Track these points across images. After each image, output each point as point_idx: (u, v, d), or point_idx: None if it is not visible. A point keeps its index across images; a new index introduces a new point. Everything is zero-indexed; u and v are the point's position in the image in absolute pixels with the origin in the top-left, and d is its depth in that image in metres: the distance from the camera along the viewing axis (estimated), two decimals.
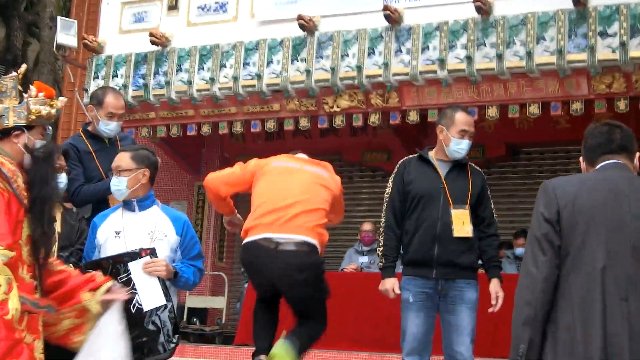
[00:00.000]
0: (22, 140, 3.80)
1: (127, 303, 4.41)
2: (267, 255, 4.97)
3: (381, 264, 5.32)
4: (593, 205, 3.38)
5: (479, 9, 7.93)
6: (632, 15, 7.43)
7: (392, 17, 8.27)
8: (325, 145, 10.82)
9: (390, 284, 5.23)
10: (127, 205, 4.81)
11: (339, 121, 8.94)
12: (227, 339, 9.56)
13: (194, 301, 10.72)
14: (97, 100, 5.81)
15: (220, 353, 8.69)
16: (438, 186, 5.25)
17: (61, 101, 3.99)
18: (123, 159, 4.84)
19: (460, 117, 5.36)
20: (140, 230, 4.76)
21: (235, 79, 9.00)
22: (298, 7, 8.81)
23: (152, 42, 9.39)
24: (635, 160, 3.63)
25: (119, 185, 4.77)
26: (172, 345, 4.69)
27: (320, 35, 8.72)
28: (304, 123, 9.12)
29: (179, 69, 9.33)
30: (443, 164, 5.35)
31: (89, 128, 5.80)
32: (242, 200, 5.90)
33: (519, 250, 9.49)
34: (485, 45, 7.97)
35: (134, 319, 4.48)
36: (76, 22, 10.30)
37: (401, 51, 8.32)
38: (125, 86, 9.46)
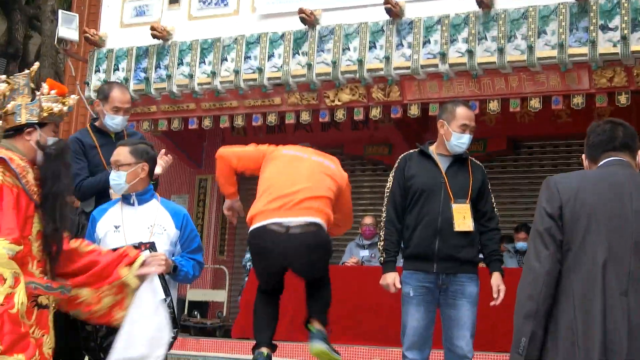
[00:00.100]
0: (35, 137, 3.84)
1: None
2: (278, 238, 5.17)
3: (382, 259, 5.32)
4: (595, 201, 3.40)
5: (480, 3, 7.93)
6: (634, 9, 7.42)
7: (394, 11, 8.27)
8: (327, 139, 10.81)
9: (391, 279, 5.23)
10: (126, 199, 4.81)
11: (340, 115, 8.95)
12: (228, 332, 9.57)
13: (195, 294, 10.74)
14: (103, 94, 5.82)
15: (221, 346, 8.71)
16: (439, 181, 5.25)
17: (73, 99, 4.04)
18: (121, 153, 4.82)
19: (461, 111, 5.35)
20: (139, 224, 4.75)
21: (237, 72, 9.01)
22: (299, 1, 8.81)
23: (154, 36, 9.40)
24: (638, 158, 3.65)
25: (117, 179, 4.76)
26: (171, 338, 4.69)
27: (321, 29, 8.72)
28: (305, 117, 9.12)
29: (180, 63, 9.34)
30: (444, 158, 5.35)
31: (97, 123, 5.80)
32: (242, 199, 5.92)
33: (520, 244, 9.50)
34: (486, 39, 7.97)
35: None
36: (77, 15, 10.32)
37: (402, 45, 8.32)
38: (126, 80, 9.47)
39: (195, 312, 10.53)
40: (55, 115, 3.91)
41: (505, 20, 7.90)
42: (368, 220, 9.61)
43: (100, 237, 4.81)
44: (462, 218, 5.19)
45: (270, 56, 8.91)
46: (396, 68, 8.34)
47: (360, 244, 9.64)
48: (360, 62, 8.45)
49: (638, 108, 8.05)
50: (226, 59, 9.13)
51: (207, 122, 9.68)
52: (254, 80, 8.97)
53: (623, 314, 3.26)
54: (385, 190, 5.42)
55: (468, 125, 5.32)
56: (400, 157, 5.50)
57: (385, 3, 8.22)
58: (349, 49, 8.55)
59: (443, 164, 5.32)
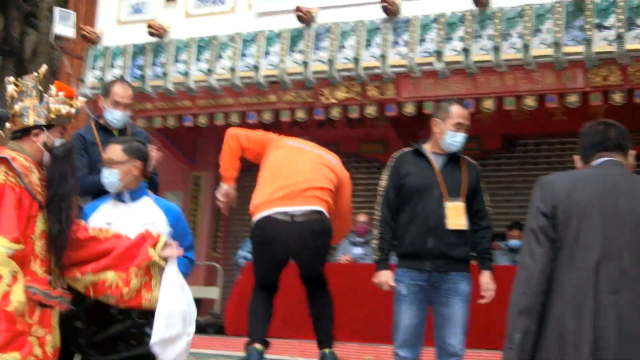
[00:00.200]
0: (42, 139, 3.87)
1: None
2: (284, 227, 5.33)
3: (376, 257, 5.33)
4: (588, 200, 3.42)
5: (476, 1, 7.96)
6: (629, 7, 7.44)
7: (390, 9, 8.28)
8: (322, 136, 10.66)
9: (384, 277, 5.23)
10: (118, 196, 4.78)
11: (335, 113, 8.96)
12: (221, 329, 9.55)
13: None
14: (105, 90, 5.90)
15: (213, 343, 8.69)
16: (433, 179, 5.25)
17: (81, 101, 4.07)
18: (114, 151, 4.81)
19: (455, 110, 5.35)
20: (132, 221, 4.73)
21: (233, 70, 9.02)
22: None
23: (150, 33, 9.41)
24: (630, 158, 3.67)
25: (110, 177, 4.74)
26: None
27: (317, 27, 8.73)
28: (300, 114, 9.13)
29: (177, 60, 9.36)
30: (438, 157, 5.35)
31: (101, 120, 5.81)
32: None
33: (513, 242, 9.50)
34: (482, 37, 7.98)
35: (123, 310, 4.49)
36: (74, 12, 10.30)
37: (398, 43, 8.33)
38: (122, 77, 9.46)
39: None
40: (63, 117, 3.94)
41: (501, 19, 7.92)
42: (362, 217, 9.60)
43: None
44: (456, 216, 5.19)
45: (267, 54, 8.93)
46: (392, 66, 8.35)
47: (353, 241, 9.63)
48: (356, 60, 8.46)
49: (633, 107, 8.05)
50: (222, 57, 9.15)
51: (202, 120, 9.69)
52: (250, 77, 8.98)
53: (613, 312, 3.27)
54: (379, 189, 5.43)
55: (463, 124, 5.32)
56: (394, 155, 5.51)
57: (381, 1, 8.24)
58: (344, 47, 8.56)
59: (437, 163, 5.32)
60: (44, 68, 4.09)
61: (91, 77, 9.75)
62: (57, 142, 3.90)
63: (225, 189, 5.65)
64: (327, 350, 5.48)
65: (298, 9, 8.61)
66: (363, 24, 8.50)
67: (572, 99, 7.96)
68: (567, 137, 9.96)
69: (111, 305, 4.20)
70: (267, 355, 5.49)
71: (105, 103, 5.73)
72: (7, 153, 3.73)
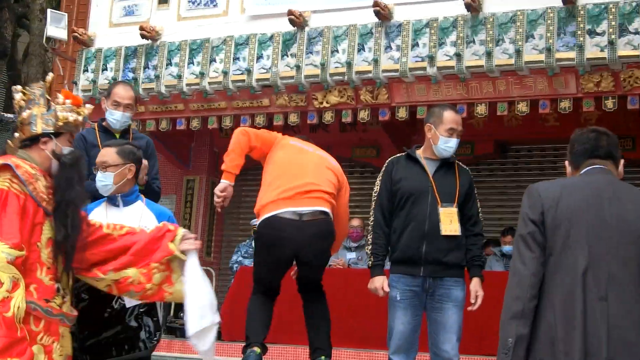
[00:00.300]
0: (50, 147, 3.86)
1: (110, 299, 4.43)
2: (292, 226, 5.31)
3: (370, 262, 5.33)
4: (576, 207, 3.44)
5: (468, 6, 7.96)
6: (621, 14, 7.46)
7: (382, 14, 8.29)
8: (315, 140, 10.62)
9: (379, 282, 5.23)
10: (111, 200, 4.77)
11: (328, 117, 8.97)
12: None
13: None
14: (107, 91, 5.92)
15: None
16: (426, 185, 5.25)
17: (88, 108, 4.07)
18: (109, 154, 4.80)
19: (448, 115, 5.36)
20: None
21: (225, 73, 9.02)
22: (288, 2, 8.82)
23: (143, 36, 9.40)
24: (620, 167, 3.69)
25: (105, 180, 4.73)
26: (154, 342, 4.69)
27: (310, 31, 8.73)
28: (293, 118, 9.13)
29: (169, 63, 9.34)
30: (431, 162, 5.36)
31: (104, 123, 5.83)
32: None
33: (507, 248, 9.51)
34: (474, 42, 8.00)
35: (116, 315, 4.49)
36: (66, 14, 10.30)
37: (391, 48, 8.34)
38: (114, 79, 9.44)
39: (182, 314, 10.49)
40: (71, 124, 3.94)
41: (493, 24, 7.94)
42: (355, 222, 9.60)
43: None
44: (449, 222, 5.20)
45: (259, 57, 8.93)
46: (384, 71, 8.36)
47: (347, 246, 9.62)
48: (349, 64, 8.47)
49: (625, 112, 8.08)
50: (215, 60, 9.14)
51: (195, 123, 9.69)
52: (243, 81, 8.98)
53: (602, 318, 3.30)
54: (373, 194, 5.43)
55: (455, 129, 5.33)
56: (387, 161, 5.52)
57: (374, 5, 8.25)
58: (337, 51, 8.56)
59: (430, 168, 5.33)
60: (50, 76, 4.12)
61: (84, 80, 9.74)
62: (66, 150, 3.90)
63: (225, 185, 5.58)
64: (323, 358, 5.46)
65: (290, 13, 8.61)
66: (356, 28, 8.52)
67: (565, 105, 7.97)
68: (559, 143, 9.99)
69: (108, 308, 4.20)
70: None
71: (106, 104, 5.78)
72: (11, 160, 3.73)
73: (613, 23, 7.47)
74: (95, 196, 4.86)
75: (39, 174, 3.79)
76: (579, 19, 7.60)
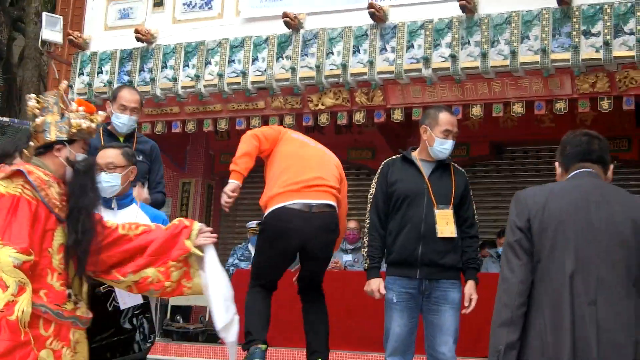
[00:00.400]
0: (64, 154, 3.90)
1: (104, 301, 4.42)
2: (301, 218, 5.30)
3: (366, 265, 5.32)
4: (562, 213, 3.46)
5: (463, 8, 7.96)
6: (616, 14, 7.46)
7: (377, 15, 8.28)
8: None
9: (375, 285, 5.23)
10: (106, 203, 4.77)
11: (323, 119, 8.96)
12: (211, 337, 9.53)
13: (177, 299, 10.65)
14: (113, 95, 5.96)
15: (203, 351, 8.68)
16: (422, 186, 5.25)
17: (101, 115, 4.11)
18: (114, 155, 4.82)
19: (444, 117, 5.36)
20: None
21: (221, 76, 9.01)
22: (283, 5, 8.83)
23: (138, 39, 9.39)
24: (609, 172, 3.70)
25: (112, 181, 4.74)
26: (148, 344, 4.69)
27: (305, 33, 8.73)
28: (288, 121, 9.11)
29: (164, 66, 9.33)
30: (426, 164, 5.35)
31: (109, 126, 5.84)
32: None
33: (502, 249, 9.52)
34: (469, 43, 7.99)
35: (110, 317, 4.48)
36: (61, 17, 10.29)
37: (386, 49, 8.34)
38: (110, 83, 9.46)
39: (178, 317, 10.49)
40: (84, 131, 3.98)
41: (488, 26, 7.94)
42: (351, 224, 9.58)
43: None
44: (445, 224, 5.20)
45: (254, 60, 8.92)
46: (380, 72, 8.36)
47: (343, 248, 9.61)
48: (344, 66, 8.46)
49: (620, 113, 8.08)
50: (210, 63, 9.13)
51: (190, 126, 9.68)
52: (238, 84, 8.97)
53: (591, 322, 3.31)
54: (369, 196, 5.43)
55: (451, 130, 5.33)
56: (383, 162, 5.51)
57: (369, 7, 8.24)
58: (332, 53, 8.56)
59: (426, 170, 5.33)
60: (64, 84, 4.17)
61: (79, 83, 9.73)
62: (79, 157, 3.94)
63: (236, 185, 5.51)
64: None
65: (285, 15, 8.61)
66: (351, 30, 8.51)
67: (560, 106, 7.98)
68: (555, 144, 9.78)
69: (101, 311, 4.20)
70: None
71: (112, 108, 5.79)
72: (24, 167, 3.78)
73: (608, 24, 7.48)
74: None
75: (52, 180, 3.82)
76: (574, 19, 7.60)
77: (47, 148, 3.90)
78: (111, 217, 4.71)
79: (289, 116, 9.09)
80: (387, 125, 9.66)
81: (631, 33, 7.40)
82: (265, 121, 9.27)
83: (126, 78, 9.44)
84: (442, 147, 5.30)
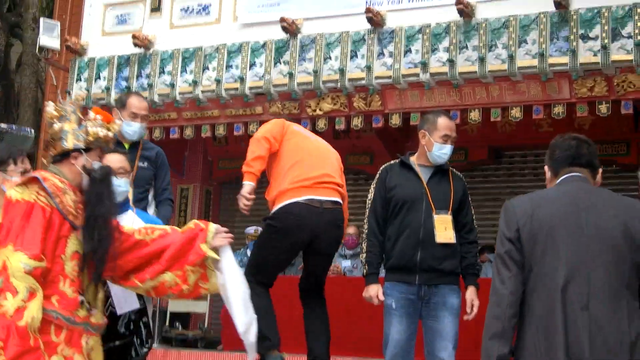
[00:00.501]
0: (81, 162, 3.94)
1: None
2: (313, 213, 5.32)
3: (365, 271, 5.31)
4: (552, 220, 3.46)
5: (461, 12, 7.95)
6: (614, 18, 7.45)
7: (375, 20, 8.28)
8: None
9: (374, 291, 5.22)
10: None
11: (321, 124, 8.95)
12: (210, 344, 9.52)
13: (176, 305, 10.66)
14: (121, 102, 5.93)
15: (202, 358, 8.66)
16: (420, 192, 5.25)
17: (118, 124, 4.18)
18: (123, 160, 4.86)
19: (442, 122, 5.35)
20: None
21: (218, 81, 9.00)
22: (281, 10, 8.81)
23: (135, 45, 9.38)
24: (598, 177, 3.71)
25: (123, 186, 4.76)
26: (145, 350, 4.69)
27: (302, 38, 8.72)
28: None
29: (162, 72, 9.32)
30: (425, 169, 5.35)
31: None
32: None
33: None
34: (467, 48, 7.98)
35: (107, 323, 4.46)
36: (59, 23, 10.26)
37: (384, 54, 8.33)
38: (107, 89, 9.44)
39: (177, 324, 10.48)
40: (101, 140, 4.02)
41: (486, 30, 7.92)
42: (350, 230, 9.58)
43: None
44: (444, 229, 5.19)
45: (252, 65, 8.90)
46: (377, 77, 8.34)
47: (342, 253, 9.61)
48: (342, 71, 8.45)
49: (618, 117, 8.08)
50: (208, 68, 9.12)
51: (188, 132, 9.67)
52: (236, 89, 8.96)
53: (584, 327, 3.31)
54: (367, 202, 5.42)
55: (449, 135, 5.33)
56: (381, 168, 5.51)
57: (366, 12, 8.23)
58: (330, 58, 8.54)
59: (424, 175, 5.32)
60: (83, 93, 4.20)
61: (77, 89, 9.70)
62: (96, 165, 3.98)
63: (252, 187, 5.43)
64: None
65: (283, 20, 8.60)
66: (348, 35, 8.50)
67: (558, 110, 7.97)
68: None
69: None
70: None
71: (122, 115, 5.76)
72: (40, 174, 3.81)
73: (606, 27, 7.46)
74: None
75: (68, 188, 3.85)
76: (572, 23, 7.59)
77: (63, 156, 3.94)
78: None
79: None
80: (385, 130, 9.66)
81: (629, 37, 7.39)
82: None
83: (124, 84, 9.43)
84: (441, 152, 5.30)
